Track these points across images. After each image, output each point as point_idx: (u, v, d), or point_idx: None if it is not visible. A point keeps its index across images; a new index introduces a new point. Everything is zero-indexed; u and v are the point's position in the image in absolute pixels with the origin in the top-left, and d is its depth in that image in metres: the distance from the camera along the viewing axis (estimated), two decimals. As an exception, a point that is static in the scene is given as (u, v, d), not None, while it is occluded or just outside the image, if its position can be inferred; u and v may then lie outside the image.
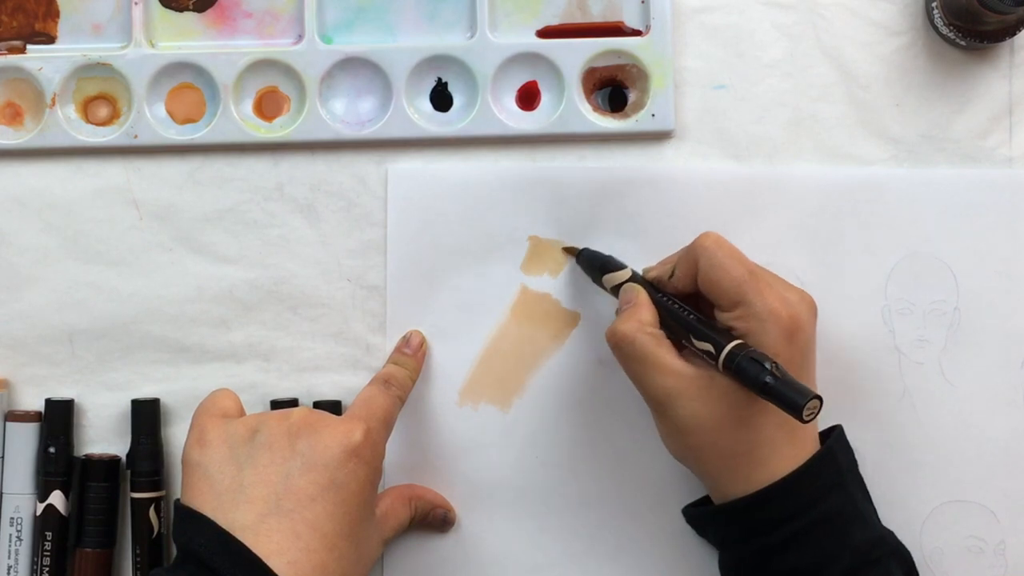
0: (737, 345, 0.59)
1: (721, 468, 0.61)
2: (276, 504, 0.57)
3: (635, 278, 0.65)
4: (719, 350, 0.59)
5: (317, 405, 0.68)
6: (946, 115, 0.70)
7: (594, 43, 0.69)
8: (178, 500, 0.60)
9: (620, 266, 0.66)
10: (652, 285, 0.65)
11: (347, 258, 0.70)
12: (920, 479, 0.68)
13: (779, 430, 0.60)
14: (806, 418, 0.55)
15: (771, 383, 0.56)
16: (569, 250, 0.69)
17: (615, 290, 0.65)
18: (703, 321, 0.62)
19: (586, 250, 0.68)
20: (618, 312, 0.64)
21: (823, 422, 0.64)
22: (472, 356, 0.69)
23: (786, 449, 0.61)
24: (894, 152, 0.70)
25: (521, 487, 0.69)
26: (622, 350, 0.62)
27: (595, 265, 0.67)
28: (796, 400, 0.55)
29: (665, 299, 0.64)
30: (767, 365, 0.57)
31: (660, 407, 0.61)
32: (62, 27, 0.71)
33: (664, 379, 0.60)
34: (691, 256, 0.62)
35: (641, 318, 0.62)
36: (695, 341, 0.61)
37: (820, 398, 0.56)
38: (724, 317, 0.61)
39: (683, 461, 0.63)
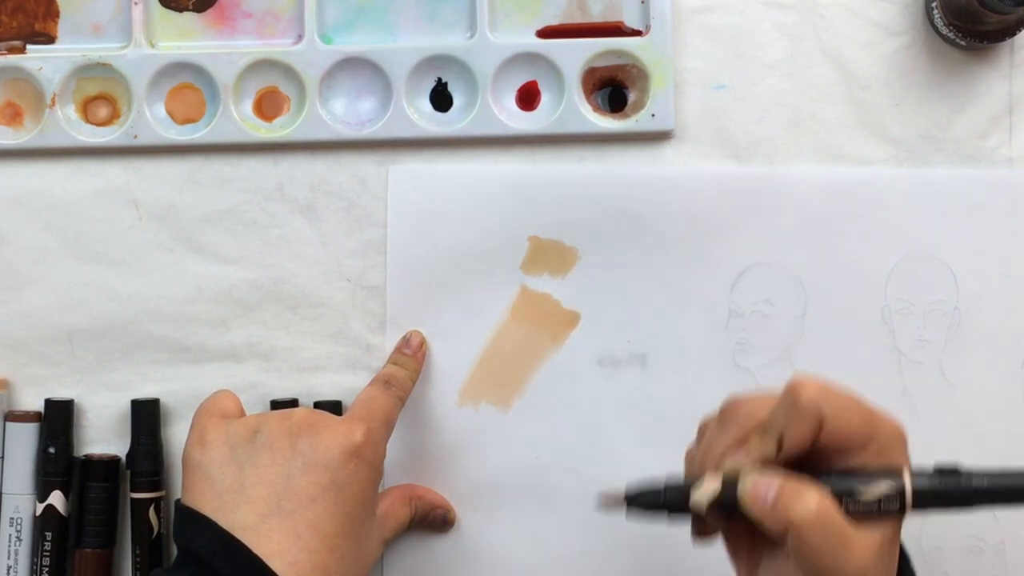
0: (913, 472, 0.51)
1: None
2: (277, 504, 0.57)
3: (728, 475, 0.52)
4: (899, 483, 0.50)
5: (318, 405, 0.68)
6: (946, 115, 0.70)
7: (594, 43, 0.69)
8: (179, 500, 0.60)
9: (686, 483, 0.53)
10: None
11: (347, 258, 0.70)
12: (920, 479, 0.68)
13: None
14: None
15: (985, 484, 0.50)
16: (609, 500, 0.55)
17: (717, 504, 0.52)
18: (845, 469, 0.52)
19: (632, 488, 0.54)
20: (749, 510, 0.51)
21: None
22: (472, 356, 0.69)
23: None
24: (894, 152, 0.70)
25: (521, 487, 0.69)
26: (818, 532, 0.50)
27: (658, 495, 0.54)
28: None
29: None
30: (960, 470, 0.50)
31: None
32: (62, 27, 0.71)
33: (861, 555, 0.50)
34: (802, 414, 0.51)
35: (812, 490, 0.50)
36: (863, 488, 0.51)
37: None
38: (855, 460, 0.52)
39: None
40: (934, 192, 0.69)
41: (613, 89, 0.70)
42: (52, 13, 0.71)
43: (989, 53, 0.70)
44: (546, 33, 0.70)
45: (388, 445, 0.62)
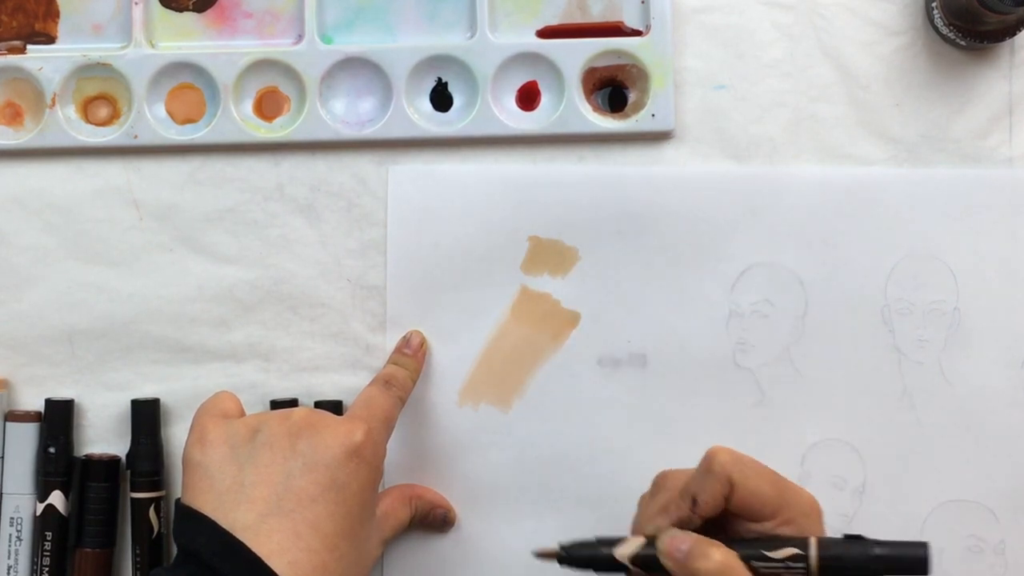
0: (819, 538, 0.55)
1: None
2: (277, 504, 0.57)
3: (652, 535, 0.57)
4: (805, 548, 0.54)
5: (318, 405, 0.68)
6: (946, 115, 0.70)
7: (594, 43, 0.69)
8: (179, 500, 0.60)
9: (619, 537, 0.58)
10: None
11: (347, 258, 0.70)
12: (920, 479, 0.68)
13: None
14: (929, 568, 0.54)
15: (883, 552, 0.54)
16: (545, 554, 0.59)
17: (640, 559, 0.57)
18: (760, 535, 0.56)
19: (565, 546, 0.58)
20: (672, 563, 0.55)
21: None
22: (472, 356, 0.69)
23: None
24: (894, 152, 0.70)
25: (521, 487, 0.69)
26: None
27: (587, 551, 0.58)
28: (918, 554, 0.53)
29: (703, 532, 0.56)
30: (865, 538, 0.54)
31: None
32: (62, 27, 0.71)
33: None
34: (715, 477, 0.56)
35: (719, 547, 0.55)
36: (770, 554, 0.55)
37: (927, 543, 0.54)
38: (765, 527, 0.56)
39: None
40: (934, 192, 0.69)
41: (613, 89, 0.70)
42: (52, 13, 0.71)
43: (989, 53, 0.70)
44: (546, 33, 0.70)
45: (388, 445, 0.62)
